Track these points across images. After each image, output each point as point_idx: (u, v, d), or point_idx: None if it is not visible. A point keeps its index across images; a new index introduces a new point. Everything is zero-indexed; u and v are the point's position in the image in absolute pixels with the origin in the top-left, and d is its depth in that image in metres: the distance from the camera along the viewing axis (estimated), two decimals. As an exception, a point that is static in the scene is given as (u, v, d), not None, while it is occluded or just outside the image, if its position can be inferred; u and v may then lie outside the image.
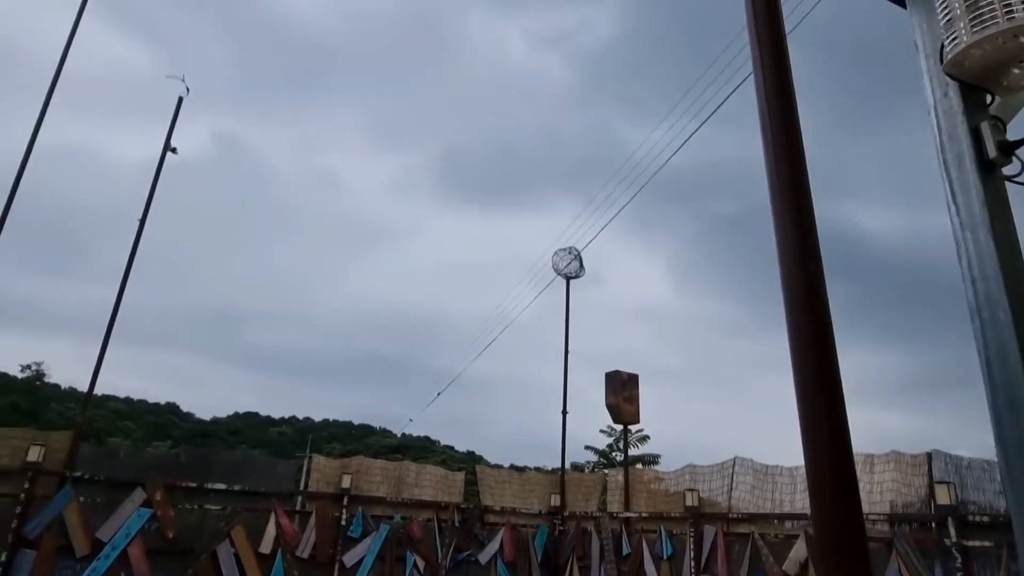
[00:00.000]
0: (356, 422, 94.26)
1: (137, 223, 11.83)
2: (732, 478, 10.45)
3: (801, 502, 9.25)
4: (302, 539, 10.86)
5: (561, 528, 12.87)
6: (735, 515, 9.92)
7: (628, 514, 11.65)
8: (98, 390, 11.73)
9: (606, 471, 15.15)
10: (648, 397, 13.46)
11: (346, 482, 11.52)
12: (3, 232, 10.38)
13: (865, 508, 8.44)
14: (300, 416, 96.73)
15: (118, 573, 9.57)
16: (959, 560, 7.16)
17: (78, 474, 9.87)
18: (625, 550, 11.34)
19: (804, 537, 8.76)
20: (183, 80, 12.81)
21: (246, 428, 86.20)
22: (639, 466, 20.69)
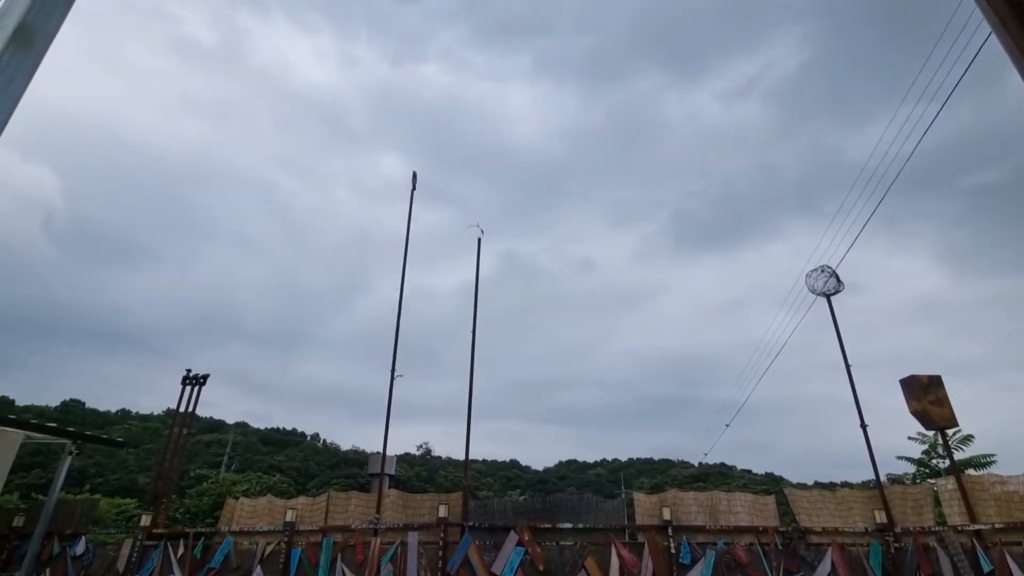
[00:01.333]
0: (656, 457, 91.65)
1: (470, 333, 13.78)
2: (1112, 475, 7.53)
3: None
4: (641, 567, 10.67)
5: (896, 545, 10.51)
6: None
7: (978, 526, 9.07)
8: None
9: (931, 481, 12.12)
10: (955, 395, 10.60)
11: (666, 514, 11.13)
12: (397, 355, 12.97)
13: None
14: (609, 458, 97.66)
15: (511, 599, 10.46)
16: None
17: (470, 523, 11.29)
18: (985, 567, 8.76)
19: None
20: (478, 226, 14.96)
21: (570, 473, 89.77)
22: (971, 471, 16.09)
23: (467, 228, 14.72)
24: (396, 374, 12.45)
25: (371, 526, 11.45)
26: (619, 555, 10.73)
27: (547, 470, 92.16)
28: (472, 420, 12.91)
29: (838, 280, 12.27)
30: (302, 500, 12.47)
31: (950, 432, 12.06)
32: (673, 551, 10.75)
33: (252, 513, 12.37)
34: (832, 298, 12.45)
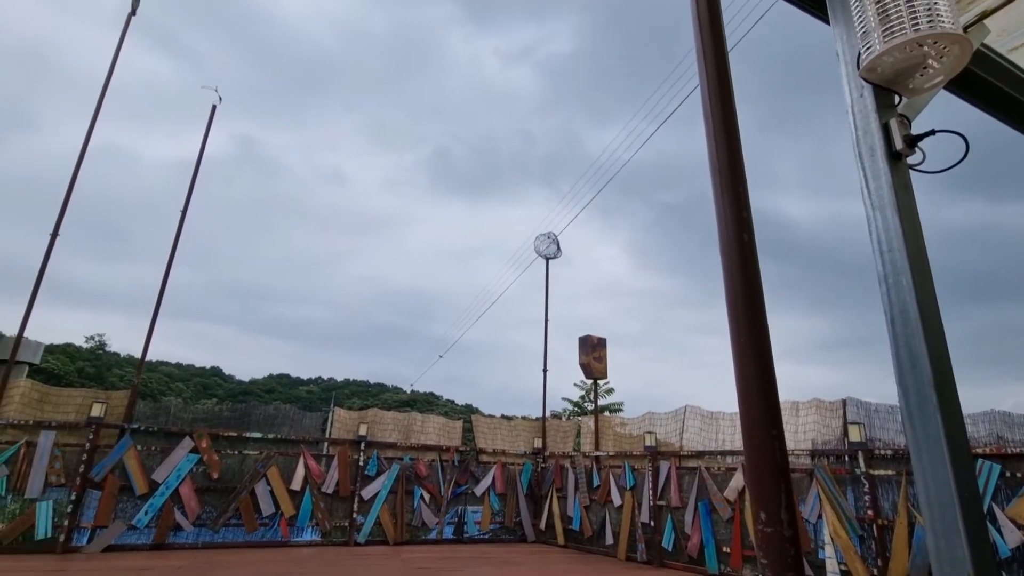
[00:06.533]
0: (372, 381, 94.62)
1: (179, 213, 11.61)
2: (683, 423, 10.59)
3: (740, 441, 9.40)
4: (326, 477, 10.90)
5: (543, 465, 13.03)
6: (685, 452, 10.07)
7: (598, 453, 11.81)
8: (152, 357, 11.60)
9: (579, 418, 15.30)
10: (613, 357, 13.56)
11: (363, 430, 11.54)
12: (63, 222, 10.15)
13: (791, 445, 8.58)
14: (325, 377, 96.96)
15: (171, 507, 9.57)
16: (867, 486, 7.33)
17: (135, 426, 9.81)
18: (595, 482, 11.51)
19: (741, 469, 8.93)
20: (216, 90, 12.47)
21: (279, 387, 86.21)
22: (607, 414, 20.92)
23: (200, 90, 12.20)
24: (55, 234, 9.70)
25: (-17, 421, 8.95)
26: (306, 465, 10.73)
27: (253, 381, 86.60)
28: (168, 316, 11.06)
29: (558, 247, 14.28)
30: None
31: (601, 383, 15.27)
32: (362, 464, 11.26)
33: None
34: (550, 261, 14.44)
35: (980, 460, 6.31)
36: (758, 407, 1.83)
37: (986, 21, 2.74)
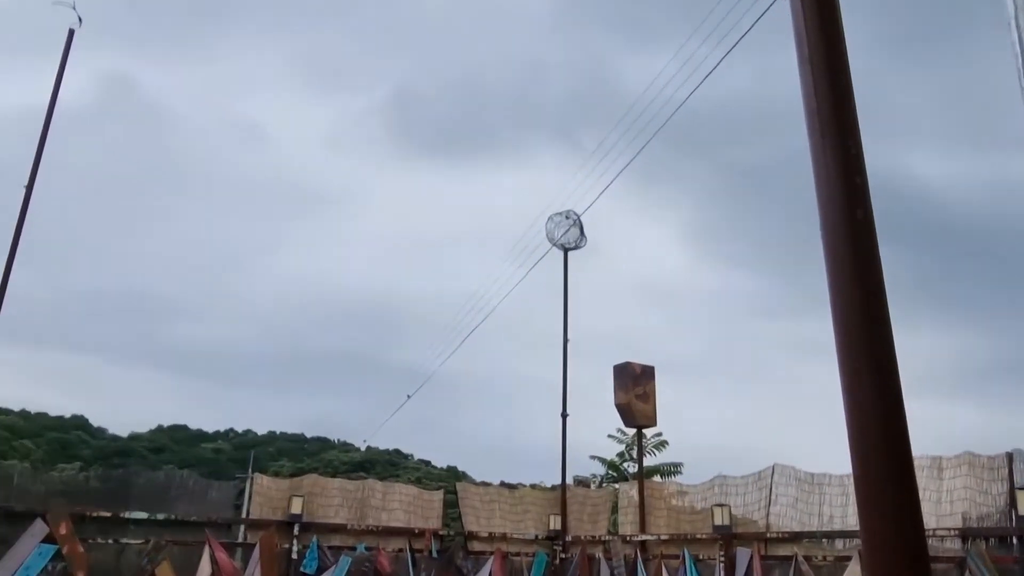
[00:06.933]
0: (309, 435, 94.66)
1: (22, 190, 11.63)
2: (771, 490, 10.55)
3: (855, 517, 9.37)
4: (244, 577, 10.89)
5: (563, 556, 12.96)
6: (774, 534, 10.03)
7: (645, 536, 11.76)
8: (-17, 400, 11.60)
9: (616, 485, 15.29)
10: (665, 394, 13.47)
11: (296, 507, 11.48)
12: None
13: (931, 522, 8.52)
14: (239, 429, 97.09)
15: (15, 626, 9.56)
16: (1047, 581, 7.30)
17: (-40, 505, 9.81)
18: (641, 580, 11.48)
19: (858, 558, 8.90)
20: (74, 8, 12.49)
21: (173, 444, 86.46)
22: (657, 478, 20.86)
23: (50, 8, 12.24)
24: None
25: None
26: (213, 559, 10.72)
27: (135, 437, 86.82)
28: (8, 343, 11.09)
29: (581, 231, 14.26)
30: None
31: (648, 433, 15.27)
32: (296, 556, 11.24)
33: None
34: (570, 252, 14.44)
35: None
36: (881, 465, 1.81)
37: None
